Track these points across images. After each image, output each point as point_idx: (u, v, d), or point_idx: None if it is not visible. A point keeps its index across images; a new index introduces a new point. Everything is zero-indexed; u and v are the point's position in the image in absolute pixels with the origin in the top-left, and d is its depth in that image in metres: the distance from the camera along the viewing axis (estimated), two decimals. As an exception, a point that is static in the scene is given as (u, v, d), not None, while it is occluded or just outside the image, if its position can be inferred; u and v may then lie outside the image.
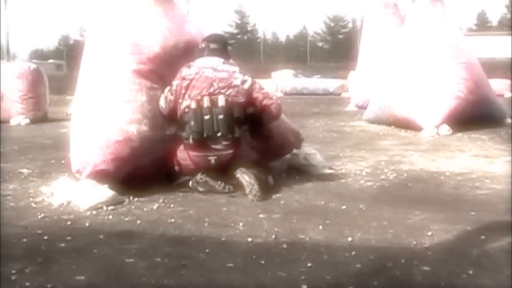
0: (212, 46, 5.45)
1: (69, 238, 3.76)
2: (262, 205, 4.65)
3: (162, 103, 5.20)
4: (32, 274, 3.13)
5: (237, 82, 5.24)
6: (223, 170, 5.07)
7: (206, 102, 5.09)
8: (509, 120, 10.82)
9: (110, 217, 4.35)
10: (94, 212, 4.45)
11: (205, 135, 5.03)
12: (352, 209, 4.51)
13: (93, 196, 4.63)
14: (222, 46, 5.55)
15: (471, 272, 3.10)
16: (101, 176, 4.85)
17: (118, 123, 5.04)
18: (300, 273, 3.12)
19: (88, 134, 5.08)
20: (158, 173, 5.12)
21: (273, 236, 3.77)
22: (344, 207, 4.57)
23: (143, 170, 5.02)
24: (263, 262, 3.28)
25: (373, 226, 4.00)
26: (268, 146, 5.55)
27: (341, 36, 69.57)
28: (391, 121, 10.66)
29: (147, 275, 3.11)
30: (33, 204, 4.76)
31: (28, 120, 13.27)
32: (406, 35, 11.08)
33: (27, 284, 2.98)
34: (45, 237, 3.78)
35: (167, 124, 5.24)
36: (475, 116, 9.84)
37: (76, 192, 4.72)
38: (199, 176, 5.08)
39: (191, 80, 5.18)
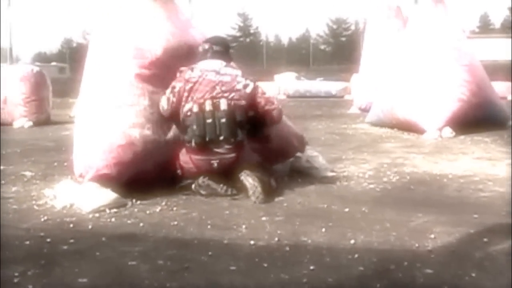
0: (216, 48, 5.44)
1: (71, 240, 3.77)
2: (265, 208, 4.65)
3: (164, 104, 5.19)
4: (34, 277, 3.13)
5: (239, 86, 5.24)
6: (225, 174, 5.07)
7: (208, 106, 5.09)
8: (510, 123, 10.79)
9: (113, 219, 4.35)
10: (97, 215, 4.45)
11: (207, 139, 5.03)
12: (354, 211, 4.51)
13: (96, 198, 4.63)
14: (224, 48, 5.55)
15: (474, 274, 3.09)
16: (103, 180, 4.84)
17: (121, 127, 5.04)
18: (303, 275, 3.12)
19: (91, 138, 5.08)
20: (160, 177, 5.11)
21: (276, 239, 3.77)
22: (346, 209, 4.57)
23: (146, 174, 5.02)
24: (265, 265, 3.28)
25: (376, 228, 3.99)
26: (272, 149, 5.56)
27: (343, 39, 69.63)
28: (393, 123, 10.65)
29: (150, 278, 3.11)
30: (35, 207, 4.77)
31: (31, 123, 13.29)
32: (408, 37, 11.07)
33: (30, 286, 2.98)
34: (48, 240, 3.78)
35: (169, 128, 5.23)
36: (478, 118, 9.82)
37: (79, 195, 4.72)
38: (201, 180, 5.08)
39: (194, 83, 5.18)
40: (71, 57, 52.87)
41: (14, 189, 5.49)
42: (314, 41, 67.71)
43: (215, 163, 5.07)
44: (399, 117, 10.41)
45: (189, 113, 5.11)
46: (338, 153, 7.72)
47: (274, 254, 3.47)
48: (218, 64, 5.32)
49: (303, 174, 5.88)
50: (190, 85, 5.17)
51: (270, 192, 4.98)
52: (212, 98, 5.12)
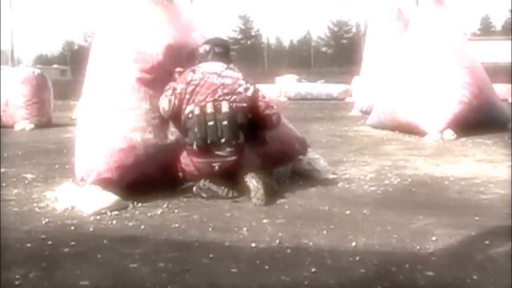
0: (217, 50, 5.44)
1: (73, 243, 3.76)
2: (266, 210, 4.65)
3: (165, 105, 5.17)
4: (36, 279, 3.13)
5: (241, 89, 5.24)
6: (226, 176, 5.07)
7: (210, 108, 5.09)
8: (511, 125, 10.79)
9: (114, 222, 4.35)
10: (98, 217, 4.45)
11: (209, 141, 5.03)
12: (356, 214, 4.50)
13: (97, 201, 4.63)
14: (225, 50, 5.56)
15: (475, 277, 3.09)
16: (105, 184, 4.84)
17: (122, 131, 5.04)
18: (304, 278, 3.11)
19: (93, 142, 5.08)
20: (162, 180, 5.11)
21: (277, 241, 3.77)
22: (348, 212, 4.56)
23: (147, 177, 5.01)
24: (267, 267, 3.28)
25: (377, 231, 3.99)
26: (274, 152, 5.57)
27: (345, 41, 69.65)
28: (395, 126, 10.66)
29: (151, 280, 3.11)
30: (37, 209, 4.77)
31: (32, 125, 13.31)
32: (409, 40, 11.08)
33: (31, 289, 2.99)
34: (49, 242, 3.78)
35: (170, 131, 5.22)
36: (479, 120, 9.83)
37: (80, 197, 4.72)
38: (202, 182, 5.08)
39: (196, 85, 5.17)
40: (73, 59, 52.92)
41: (15, 191, 5.49)
42: (315, 43, 67.84)
43: (216, 166, 5.07)
44: (400, 119, 10.42)
45: (190, 115, 5.10)
46: (339, 156, 7.72)
47: (275, 257, 3.47)
48: (219, 66, 5.32)
49: (304, 177, 5.88)
50: (192, 87, 5.16)
51: (272, 195, 4.99)
52: (214, 100, 5.12)
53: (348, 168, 6.68)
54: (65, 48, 71.25)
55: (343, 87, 31.36)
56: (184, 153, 5.14)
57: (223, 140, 5.04)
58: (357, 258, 3.41)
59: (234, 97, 5.17)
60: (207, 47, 5.45)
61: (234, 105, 5.13)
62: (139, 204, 4.78)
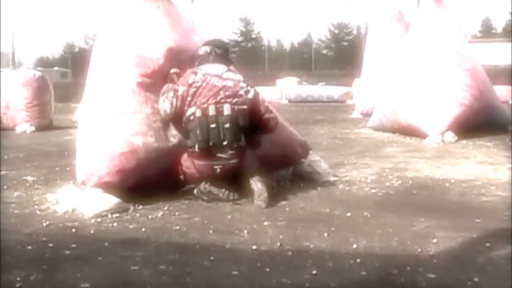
0: (218, 51, 5.43)
1: (74, 245, 3.77)
2: (267, 213, 4.65)
3: (167, 108, 5.14)
4: (36, 282, 3.13)
5: (242, 91, 5.23)
6: (227, 179, 5.07)
7: (211, 111, 5.08)
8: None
9: (115, 224, 4.35)
10: (99, 220, 4.45)
11: (211, 144, 5.03)
12: (357, 216, 4.50)
13: (98, 203, 4.63)
14: (226, 52, 5.55)
15: (476, 279, 3.09)
16: (106, 187, 4.84)
17: (123, 135, 5.03)
18: (305, 280, 3.11)
19: (93, 146, 5.07)
20: (163, 183, 5.11)
21: (278, 244, 3.77)
22: (349, 214, 4.56)
23: (148, 181, 5.01)
24: (268, 269, 3.28)
25: (378, 233, 3.99)
26: (276, 156, 5.59)
27: (345, 43, 69.63)
28: (396, 128, 10.65)
29: (152, 283, 3.11)
30: (38, 212, 4.77)
31: (33, 128, 13.30)
32: (410, 42, 11.08)
33: (32, 291, 2.99)
34: (50, 245, 3.79)
35: (172, 134, 5.21)
36: (480, 123, 9.82)
37: (81, 200, 4.72)
38: (202, 186, 5.08)
39: (198, 87, 5.15)
40: (73, 62, 52.80)
41: (16, 194, 5.49)
42: (316, 46, 67.71)
43: (218, 168, 5.07)
44: (401, 121, 10.41)
45: (192, 117, 5.10)
46: (340, 158, 7.72)
47: (276, 259, 3.47)
48: (220, 68, 5.31)
49: (305, 179, 5.88)
50: (194, 89, 5.15)
51: (274, 197, 5.00)
52: (216, 103, 5.11)
53: (349, 170, 6.68)
54: (66, 51, 71.21)
55: (344, 89, 31.34)
56: (185, 156, 5.13)
57: (225, 143, 5.04)
58: (358, 260, 3.41)
59: (235, 99, 5.17)
60: (207, 48, 5.43)
61: (235, 107, 5.13)
62: (140, 207, 4.78)
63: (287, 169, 5.96)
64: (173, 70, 5.31)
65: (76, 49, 67.59)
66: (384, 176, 6.29)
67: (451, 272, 3.22)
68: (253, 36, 72.74)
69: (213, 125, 5.04)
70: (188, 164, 5.13)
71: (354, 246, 3.70)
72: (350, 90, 28.02)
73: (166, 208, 4.78)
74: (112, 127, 5.07)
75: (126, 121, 5.08)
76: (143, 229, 4.19)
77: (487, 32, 66.37)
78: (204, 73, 5.23)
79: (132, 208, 4.75)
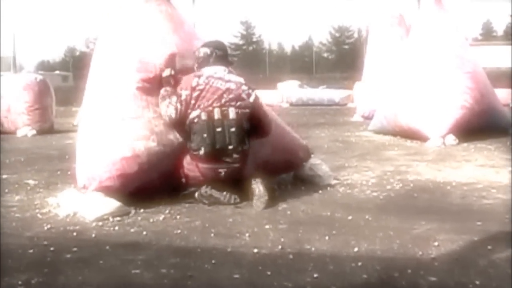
0: (219, 53, 5.41)
1: (75, 249, 3.77)
2: (268, 216, 4.65)
3: (171, 113, 5.10)
4: (38, 285, 3.13)
5: (244, 94, 5.23)
6: (230, 182, 5.07)
7: (217, 114, 5.07)
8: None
9: (116, 228, 4.36)
10: (100, 223, 4.46)
11: (217, 147, 5.03)
12: (358, 219, 4.50)
13: (99, 207, 4.64)
14: (225, 53, 5.54)
15: (477, 282, 3.08)
16: (107, 192, 4.83)
17: (125, 139, 5.02)
18: (306, 283, 3.11)
19: (95, 150, 5.07)
20: (164, 186, 5.11)
21: (279, 247, 3.77)
22: (350, 217, 4.56)
23: (150, 185, 5.00)
24: (269, 272, 3.28)
25: (379, 236, 3.99)
26: (278, 160, 5.60)
27: (346, 47, 69.60)
28: (397, 131, 10.65)
29: (153, 286, 3.11)
30: (39, 215, 4.77)
31: (34, 131, 13.31)
32: (411, 45, 11.08)
33: (33, 295, 2.99)
34: (51, 248, 3.79)
35: (174, 137, 5.20)
36: (481, 126, 9.82)
37: (82, 203, 4.72)
38: (203, 189, 5.08)
39: (201, 90, 5.13)
40: (75, 65, 52.83)
41: (17, 197, 5.49)
42: (317, 49, 67.67)
43: (222, 172, 5.07)
44: (402, 124, 10.41)
45: (196, 120, 5.08)
46: (341, 161, 7.72)
47: (278, 262, 3.47)
48: (222, 70, 5.30)
49: (306, 182, 5.88)
50: (197, 92, 5.12)
51: (273, 200, 5.01)
52: (221, 106, 5.10)
53: (350, 173, 6.68)
54: (67, 54, 71.29)
55: (345, 92, 31.32)
56: (188, 159, 5.13)
57: (230, 147, 5.04)
58: (359, 263, 3.41)
59: (239, 103, 5.16)
60: (207, 50, 5.41)
61: (240, 111, 5.13)
62: (141, 210, 4.78)
63: (288, 173, 5.97)
64: (166, 73, 5.29)
65: (77, 53, 67.66)
66: (385, 179, 6.28)
67: (452, 275, 3.21)
68: (254, 39, 72.73)
69: (219, 129, 5.04)
70: (192, 167, 5.12)
71: (355, 249, 3.70)
72: (351, 93, 28.01)
73: (167, 211, 4.78)
74: (114, 131, 5.07)
75: (128, 126, 5.07)
76: (144, 233, 4.19)
77: (488, 35, 66.34)
78: (207, 75, 5.21)
79: (133, 211, 4.75)
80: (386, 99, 11.33)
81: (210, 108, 5.09)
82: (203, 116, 5.06)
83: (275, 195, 5.09)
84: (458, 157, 8.03)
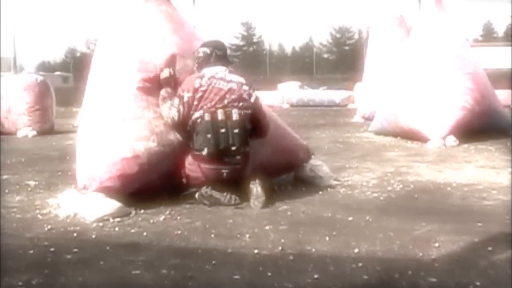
0: (219, 53, 5.41)
1: (75, 250, 3.77)
2: (269, 217, 4.65)
3: (174, 115, 5.10)
4: (38, 286, 3.13)
5: (245, 95, 5.23)
6: (231, 183, 5.07)
7: (220, 115, 5.08)
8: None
9: (117, 229, 4.36)
10: (101, 224, 4.46)
11: (220, 148, 5.03)
12: (358, 220, 4.50)
13: (100, 208, 4.63)
14: (225, 52, 5.54)
15: (478, 283, 3.08)
16: (107, 192, 4.84)
17: (125, 140, 5.03)
18: (307, 284, 3.11)
19: (95, 151, 5.07)
20: (165, 187, 5.11)
21: (280, 248, 3.77)
22: (350, 218, 4.56)
23: (150, 185, 5.01)
24: (269, 273, 3.28)
25: (380, 237, 3.99)
26: (278, 161, 5.61)
27: (347, 48, 69.62)
28: (397, 132, 10.65)
29: (154, 287, 3.11)
30: (39, 216, 4.77)
31: (35, 132, 13.31)
32: (412, 46, 11.08)
33: (34, 296, 2.99)
34: (52, 249, 3.79)
35: (175, 138, 5.20)
36: (481, 127, 9.82)
37: (83, 204, 4.72)
38: (204, 190, 5.08)
39: (204, 91, 5.13)
40: (75, 66, 52.87)
41: (18, 198, 5.49)
42: (318, 50, 67.65)
43: (225, 173, 5.07)
44: (402, 125, 10.41)
45: (199, 120, 5.07)
46: (341, 162, 7.72)
47: (278, 263, 3.47)
48: (223, 70, 5.30)
49: (307, 183, 5.88)
50: (200, 94, 5.11)
51: (270, 200, 5.04)
52: (224, 107, 5.10)
53: (351, 174, 6.68)
54: (67, 55, 71.30)
55: (346, 93, 31.32)
56: (190, 159, 5.12)
57: (233, 148, 5.05)
58: (360, 264, 3.41)
59: (241, 103, 5.16)
60: (207, 50, 5.40)
61: (242, 112, 5.14)
62: (142, 211, 4.78)
63: (289, 174, 5.97)
64: (165, 74, 5.28)
65: (78, 54, 67.69)
66: (386, 180, 6.28)
67: (452, 276, 3.21)
68: (255, 40, 72.75)
69: (222, 130, 5.04)
70: (193, 167, 5.11)
71: (356, 250, 3.70)
72: (352, 94, 28.04)
73: (167, 212, 4.78)
74: (114, 132, 5.07)
75: (128, 126, 5.08)
76: (144, 234, 4.19)
77: (488, 36, 66.35)
78: (209, 76, 5.20)
79: (133, 212, 4.75)
80: (386, 100, 11.33)
81: (213, 109, 5.09)
82: (207, 117, 5.06)
83: (273, 196, 5.09)
84: (458, 158, 8.03)
